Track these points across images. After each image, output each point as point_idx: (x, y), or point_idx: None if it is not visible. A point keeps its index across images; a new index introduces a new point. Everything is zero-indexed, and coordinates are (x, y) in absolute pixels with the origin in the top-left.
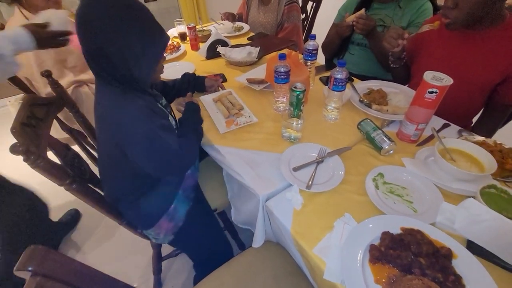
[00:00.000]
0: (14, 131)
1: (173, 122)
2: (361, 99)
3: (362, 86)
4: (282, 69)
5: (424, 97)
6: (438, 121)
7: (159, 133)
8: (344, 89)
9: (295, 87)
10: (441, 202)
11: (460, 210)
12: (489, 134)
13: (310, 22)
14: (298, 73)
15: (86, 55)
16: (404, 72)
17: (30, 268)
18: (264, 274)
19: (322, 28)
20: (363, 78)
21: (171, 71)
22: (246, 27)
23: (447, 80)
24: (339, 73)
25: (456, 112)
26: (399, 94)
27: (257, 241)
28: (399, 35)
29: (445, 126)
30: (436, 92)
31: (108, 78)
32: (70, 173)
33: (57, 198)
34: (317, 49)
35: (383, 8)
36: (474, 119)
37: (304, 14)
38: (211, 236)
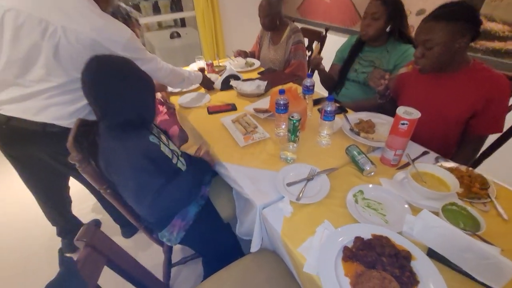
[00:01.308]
0: (69, 145)
1: (166, 149)
2: (352, 128)
3: (354, 117)
4: (281, 102)
5: (398, 128)
6: (419, 149)
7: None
8: (333, 119)
9: (292, 117)
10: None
11: (418, 220)
12: (467, 161)
13: None
14: (296, 105)
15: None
16: (391, 107)
17: (84, 239)
18: (259, 276)
19: (325, 65)
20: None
21: (190, 100)
22: (257, 63)
23: (415, 114)
24: (329, 106)
25: (437, 142)
26: (385, 125)
27: (255, 245)
28: (381, 76)
29: (424, 153)
30: (407, 124)
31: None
32: (106, 180)
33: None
34: (313, 85)
35: (373, 51)
36: None
37: (310, 52)
38: (219, 234)
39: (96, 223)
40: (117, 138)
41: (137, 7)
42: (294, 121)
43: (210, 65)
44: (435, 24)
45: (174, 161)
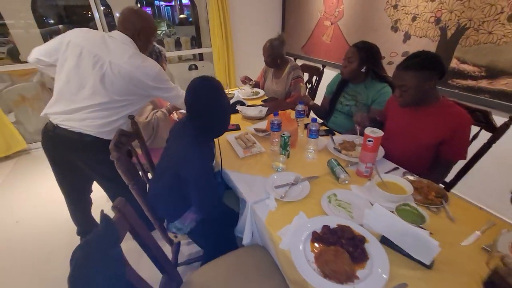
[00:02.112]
0: (111, 147)
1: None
2: (335, 147)
3: (340, 138)
4: (275, 122)
5: (366, 144)
6: (392, 165)
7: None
8: (317, 137)
9: (283, 134)
10: None
11: (371, 212)
12: (437, 182)
13: (314, 90)
14: (288, 125)
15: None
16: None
17: (118, 206)
18: (249, 263)
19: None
20: None
21: None
22: (262, 92)
23: (379, 133)
24: (313, 126)
25: (412, 162)
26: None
27: (246, 238)
28: (361, 119)
29: (395, 168)
30: (372, 141)
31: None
32: (135, 177)
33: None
34: (304, 111)
35: (355, 87)
36: None
37: (310, 85)
38: (222, 229)
39: None
40: (197, 143)
41: (161, 42)
42: (285, 138)
43: None
44: (406, 73)
45: None
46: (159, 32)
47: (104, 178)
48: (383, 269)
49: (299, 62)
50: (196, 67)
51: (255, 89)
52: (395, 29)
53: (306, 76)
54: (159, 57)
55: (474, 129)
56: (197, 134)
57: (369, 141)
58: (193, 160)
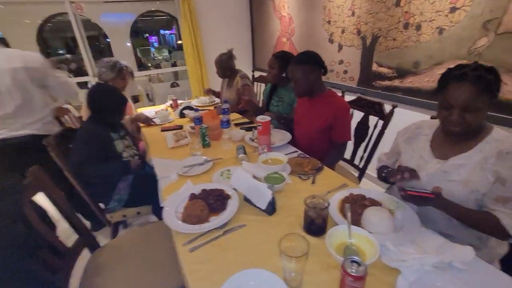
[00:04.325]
0: (47, 140)
1: (120, 146)
2: (251, 137)
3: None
4: (197, 117)
5: (258, 128)
6: (292, 149)
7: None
8: (228, 126)
9: (201, 126)
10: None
11: (235, 173)
12: (334, 161)
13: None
14: (212, 121)
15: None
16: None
17: (32, 171)
18: (159, 231)
19: None
20: None
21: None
22: (217, 100)
23: (266, 119)
24: (224, 118)
25: (313, 146)
26: (277, 133)
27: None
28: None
29: (295, 151)
30: (260, 126)
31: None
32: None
33: None
34: (228, 108)
35: (281, 90)
36: None
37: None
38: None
39: None
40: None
41: (158, 66)
42: (202, 129)
43: (175, 101)
44: (295, 67)
45: (124, 155)
46: (160, 57)
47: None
48: (229, 215)
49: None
50: (178, 85)
51: (211, 98)
52: (331, 41)
53: (262, 86)
54: (120, 72)
55: (373, 119)
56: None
57: (258, 125)
58: (82, 130)
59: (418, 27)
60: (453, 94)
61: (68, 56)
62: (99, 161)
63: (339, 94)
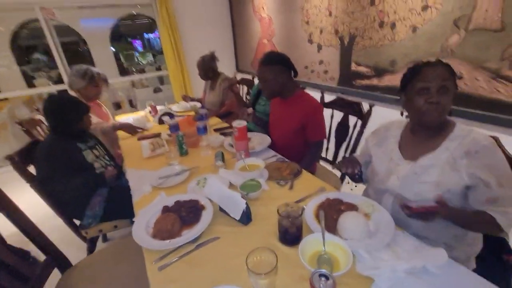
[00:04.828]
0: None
1: (90, 156)
2: (230, 143)
3: None
4: (173, 124)
5: (234, 134)
6: (272, 153)
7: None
8: (205, 133)
9: (178, 134)
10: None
11: (208, 183)
12: (311, 161)
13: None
14: (189, 127)
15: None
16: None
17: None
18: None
19: None
20: None
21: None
22: (198, 105)
23: (242, 124)
24: (200, 124)
25: (289, 147)
26: (257, 137)
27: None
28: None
29: (274, 155)
30: (237, 130)
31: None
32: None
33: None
34: (206, 114)
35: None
36: None
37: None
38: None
39: None
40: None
41: (142, 71)
42: (179, 137)
43: (154, 107)
44: (264, 67)
45: (96, 165)
46: (144, 62)
47: None
48: (201, 228)
49: (249, 76)
50: (161, 90)
51: (192, 103)
52: (310, 41)
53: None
54: (92, 79)
55: (353, 119)
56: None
57: (235, 131)
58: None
59: (393, 26)
60: (429, 75)
61: (47, 63)
62: (65, 176)
63: (319, 94)
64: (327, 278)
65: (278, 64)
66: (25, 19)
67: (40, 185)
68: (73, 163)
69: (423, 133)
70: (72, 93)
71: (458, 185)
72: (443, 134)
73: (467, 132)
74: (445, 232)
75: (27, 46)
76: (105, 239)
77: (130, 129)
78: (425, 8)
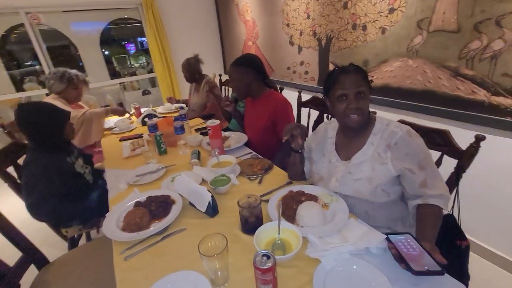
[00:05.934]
0: None
1: (79, 167)
2: (208, 142)
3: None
4: (151, 124)
5: (209, 133)
6: (247, 150)
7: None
8: (182, 133)
9: (156, 134)
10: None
11: (177, 179)
12: (282, 159)
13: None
14: (167, 127)
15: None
16: None
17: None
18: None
19: None
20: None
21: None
22: (183, 106)
23: (216, 122)
24: (177, 124)
25: (264, 146)
26: (235, 135)
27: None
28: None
29: (249, 153)
30: (210, 130)
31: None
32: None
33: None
34: (184, 115)
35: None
36: None
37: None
38: None
39: None
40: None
41: (134, 74)
42: (157, 136)
43: (138, 109)
44: (232, 68)
45: (86, 175)
46: (137, 64)
47: None
48: (169, 220)
49: None
50: (150, 92)
51: (176, 105)
52: (291, 43)
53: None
54: (70, 82)
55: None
56: (35, 146)
57: (209, 129)
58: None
59: (364, 28)
60: (345, 82)
61: (37, 68)
62: (60, 198)
63: (296, 94)
64: (268, 257)
65: (243, 66)
66: (12, 24)
67: (33, 210)
68: (68, 181)
69: (351, 133)
70: (53, 97)
71: (389, 177)
72: (368, 130)
73: (386, 126)
74: (384, 219)
75: (15, 51)
76: (89, 238)
77: (122, 113)
78: (391, 10)
